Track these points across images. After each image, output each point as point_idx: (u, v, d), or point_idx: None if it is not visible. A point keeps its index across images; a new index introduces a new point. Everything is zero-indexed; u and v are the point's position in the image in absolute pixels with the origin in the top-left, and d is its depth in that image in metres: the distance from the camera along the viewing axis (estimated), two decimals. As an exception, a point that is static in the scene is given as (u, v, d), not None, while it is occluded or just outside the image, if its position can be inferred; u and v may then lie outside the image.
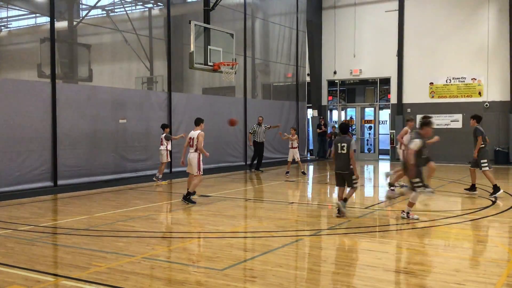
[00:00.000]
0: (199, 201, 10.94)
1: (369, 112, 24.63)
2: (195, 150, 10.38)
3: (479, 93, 20.84)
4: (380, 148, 24.02)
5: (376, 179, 17.03)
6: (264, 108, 20.78)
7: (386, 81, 23.18)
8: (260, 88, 22.17)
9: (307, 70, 24.15)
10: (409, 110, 22.13)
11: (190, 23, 13.42)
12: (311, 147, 25.10)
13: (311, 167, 20.48)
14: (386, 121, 24.30)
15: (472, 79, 20.95)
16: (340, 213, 8.85)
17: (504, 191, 11.34)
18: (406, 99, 22.38)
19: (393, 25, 22.38)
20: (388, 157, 23.27)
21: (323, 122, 23.70)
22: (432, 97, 21.77)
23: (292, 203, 11.06)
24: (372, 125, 24.20)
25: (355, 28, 23.29)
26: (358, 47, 23.32)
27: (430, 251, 6.79)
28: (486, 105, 20.62)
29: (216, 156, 17.92)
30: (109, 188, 13.05)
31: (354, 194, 9.27)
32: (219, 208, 10.14)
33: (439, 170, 17.65)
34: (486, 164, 11.25)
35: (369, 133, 24.52)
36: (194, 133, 10.54)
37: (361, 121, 24.45)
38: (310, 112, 24.92)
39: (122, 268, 5.81)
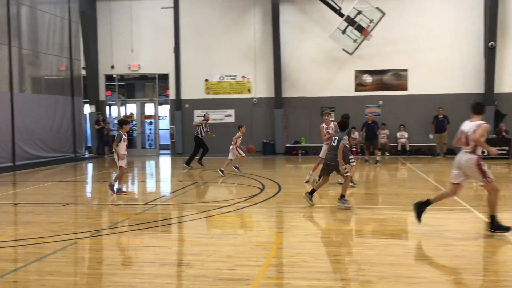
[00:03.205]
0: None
1: (149, 107, 24.68)
2: (472, 151, 7.03)
3: (249, 90, 22.67)
4: (161, 143, 24.31)
5: (158, 174, 17.17)
6: (36, 103, 19.11)
7: (165, 77, 23.52)
8: (30, 81, 20.28)
9: (83, 63, 22.99)
10: (187, 105, 22.90)
11: None
12: (89, 144, 24.01)
13: (90, 165, 19.60)
14: (166, 116, 24.68)
15: (242, 77, 22.66)
16: (311, 202, 9.53)
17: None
18: (184, 95, 23.07)
19: (169, 22, 22.78)
20: (169, 152, 23.68)
21: (101, 118, 22.88)
22: (208, 93, 22.88)
23: (68, 204, 10.42)
24: (153, 120, 24.33)
25: (132, 22, 23.03)
26: (135, 42, 23.13)
27: (205, 241, 7.12)
28: (255, 101, 22.55)
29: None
30: None
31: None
32: (-20, 217, 8.96)
33: (215, 162, 18.71)
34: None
35: (150, 129, 24.60)
36: (470, 125, 7.13)
37: (141, 117, 24.35)
38: (87, 108, 23.80)
39: None
